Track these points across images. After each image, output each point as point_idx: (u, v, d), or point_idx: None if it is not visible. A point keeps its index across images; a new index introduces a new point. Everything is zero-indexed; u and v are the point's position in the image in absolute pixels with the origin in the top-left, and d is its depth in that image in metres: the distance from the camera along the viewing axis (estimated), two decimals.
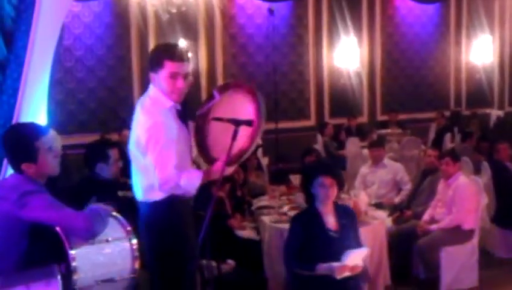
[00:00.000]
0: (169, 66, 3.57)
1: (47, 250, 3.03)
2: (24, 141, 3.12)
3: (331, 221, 4.38)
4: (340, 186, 4.53)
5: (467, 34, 14.56)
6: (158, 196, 3.58)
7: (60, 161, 3.22)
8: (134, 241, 3.14)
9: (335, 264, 4.09)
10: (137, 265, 3.11)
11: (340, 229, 4.35)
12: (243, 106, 3.60)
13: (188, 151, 3.75)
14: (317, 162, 4.70)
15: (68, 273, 2.86)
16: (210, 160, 3.69)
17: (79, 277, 2.86)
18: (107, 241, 3.04)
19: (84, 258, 2.91)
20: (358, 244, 4.39)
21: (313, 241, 4.27)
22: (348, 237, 4.33)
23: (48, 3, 3.64)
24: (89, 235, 2.96)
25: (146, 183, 3.62)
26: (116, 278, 3.02)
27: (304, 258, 4.24)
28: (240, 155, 3.55)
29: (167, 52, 3.62)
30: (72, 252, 2.88)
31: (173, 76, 3.58)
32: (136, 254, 3.12)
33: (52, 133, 3.20)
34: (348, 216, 4.49)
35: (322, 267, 4.12)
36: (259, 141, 3.72)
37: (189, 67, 3.70)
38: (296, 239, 4.35)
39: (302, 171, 4.74)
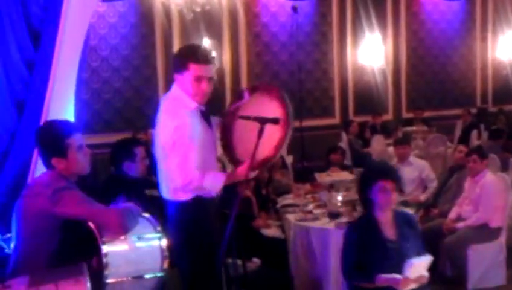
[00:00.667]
0: (194, 69, 3.58)
1: (79, 246, 3.07)
2: (56, 136, 3.18)
3: (389, 230, 3.93)
4: (401, 192, 4.19)
5: (493, 29, 14.39)
6: (184, 196, 3.62)
7: (89, 160, 3.27)
8: (164, 240, 3.17)
9: (398, 276, 3.68)
10: (166, 264, 3.14)
11: (399, 239, 3.90)
12: (271, 109, 3.58)
13: (213, 152, 3.76)
14: (377, 164, 4.17)
15: (99, 269, 2.89)
16: (235, 160, 3.70)
17: (110, 272, 2.89)
18: (139, 239, 3.08)
19: (115, 254, 2.95)
20: (420, 255, 3.89)
21: (369, 252, 3.85)
22: (407, 247, 3.87)
23: (75, 4, 3.68)
24: (122, 230, 3.00)
25: (171, 184, 3.65)
26: (145, 276, 3.06)
27: (362, 269, 3.86)
28: (264, 162, 3.56)
29: (192, 55, 3.62)
30: (105, 247, 2.92)
31: (198, 79, 3.59)
32: (166, 253, 3.14)
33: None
34: (409, 224, 4.02)
35: (383, 279, 3.72)
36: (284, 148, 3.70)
37: (214, 69, 3.72)
38: (352, 249, 3.94)
39: (361, 174, 4.14)
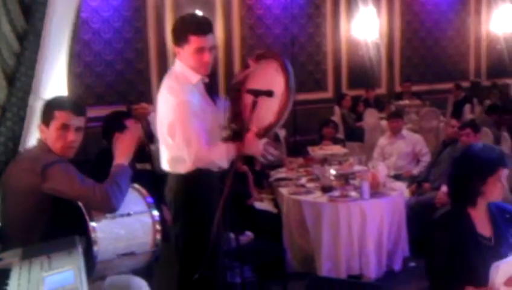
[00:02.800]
0: (194, 41, 3.54)
1: (70, 225, 3.05)
2: (48, 103, 3.21)
3: (483, 225, 3.28)
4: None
5: (487, 3, 14.33)
6: (185, 168, 3.60)
7: (75, 147, 3.23)
8: (156, 213, 3.13)
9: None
10: (158, 239, 3.11)
11: (495, 235, 3.25)
12: (274, 78, 3.53)
13: (217, 126, 3.73)
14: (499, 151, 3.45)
15: (88, 246, 2.87)
16: (245, 129, 3.62)
17: (99, 249, 2.86)
18: (129, 214, 3.04)
19: (105, 231, 2.92)
20: None
21: (462, 252, 3.20)
22: (505, 245, 3.22)
23: None
24: (109, 208, 2.96)
25: (172, 156, 3.65)
26: (137, 252, 3.03)
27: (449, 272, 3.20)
28: (268, 129, 3.51)
29: (191, 27, 3.56)
30: (93, 224, 2.89)
31: (199, 51, 3.55)
32: (158, 227, 3.11)
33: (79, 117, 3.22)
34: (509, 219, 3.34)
35: None
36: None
37: (214, 38, 3.67)
38: (442, 249, 3.25)
39: (477, 162, 3.25)
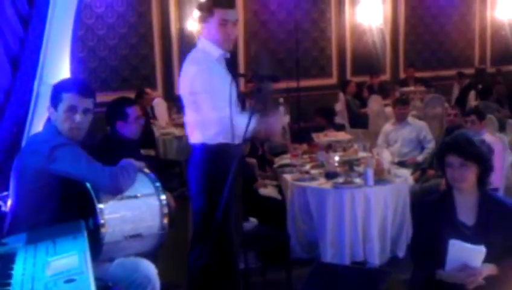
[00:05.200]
0: (219, 14, 3.67)
1: (77, 207, 3.06)
2: (56, 86, 3.23)
3: (467, 212, 3.27)
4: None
5: None
6: (209, 137, 3.71)
7: (84, 128, 3.23)
8: (163, 197, 3.14)
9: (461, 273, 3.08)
10: (165, 222, 3.11)
11: (477, 225, 3.22)
12: None
13: (236, 100, 3.78)
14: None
15: (96, 228, 2.88)
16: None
17: (107, 231, 2.87)
18: (136, 197, 3.05)
19: (112, 213, 2.93)
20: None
21: (437, 234, 3.23)
22: (488, 237, 3.15)
23: None
24: (114, 190, 2.97)
25: (197, 123, 3.76)
26: (144, 234, 3.04)
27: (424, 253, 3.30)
28: None
29: (216, 0, 3.71)
30: (100, 206, 2.89)
31: (224, 23, 3.68)
32: (165, 210, 3.12)
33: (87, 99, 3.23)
34: (504, 215, 3.24)
35: (446, 275, 3.15)
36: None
37: (237, 13, 3.82)
38: (420, 230, 3.41)
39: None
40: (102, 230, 2.87)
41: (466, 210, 3.27)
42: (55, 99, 3.17)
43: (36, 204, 3.07)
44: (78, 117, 3.15)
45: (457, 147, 3.25)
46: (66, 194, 3.08)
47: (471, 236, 3.16)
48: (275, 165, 6.70)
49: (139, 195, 3.07)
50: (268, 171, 6.82)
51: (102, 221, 2.87)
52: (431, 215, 3.32)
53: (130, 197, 3.03)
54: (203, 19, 3.75)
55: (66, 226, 2.78)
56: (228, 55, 3.80)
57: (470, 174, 3.22)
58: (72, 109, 3.14)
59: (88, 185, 2.97)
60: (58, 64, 3.74)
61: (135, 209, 3.04)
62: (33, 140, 3.25)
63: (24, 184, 3.11)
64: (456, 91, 12.39)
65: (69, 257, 2.39)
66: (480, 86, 11.76)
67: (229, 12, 3.71)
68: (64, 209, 3.07)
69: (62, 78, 3.39)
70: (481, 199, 3.26)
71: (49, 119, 3.28)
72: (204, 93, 3.63)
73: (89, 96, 3.22)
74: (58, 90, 3.18)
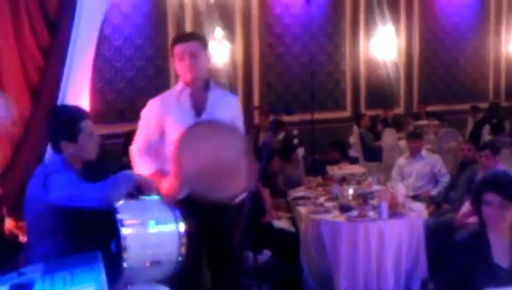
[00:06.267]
0: (176, 49, 3.74)
1: (101, 230, 3.07)
2: (69, 119, 3.25)
3: (503, 254, 3.16)
4: None
5: (507, 24, 14.30)
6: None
7: (97, 148, 3.29)
8: (182, 226, 3.16)
9: None
10: (183, 250, 3.13)
11: None
12: None
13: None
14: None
15: (119, 252, 2.89)
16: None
17: (129, 256, 2.88)
18: (157, 223, 3.06)
19: (135, 237, 2.92)
20: None
21: (473, 278, 3.15)
22: None
23: None
24: (103, 204, 2.95)
25: None
26: (163, 261, 3.05)
27: None
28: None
29: (174, 38, 3.89)
30: (124, 230, 2.90)
31: (180, 57, 3.72)
32: (183, 240, 3.13)
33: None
34: None
35: None
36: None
37: (196, 46, 3.77)
38: (455, 273, 3.26)
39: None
40: (125, 255, 2.88)
41: (501, 252, 3.15)
42: (72, 131, 3.21)
43: (40, 234, 3.11)
44: (95, 136, 3.27)
45: (497, 185, 3.14)
46: (87, 218, 3.10)
47: (507, 279, 3.06)
48: (289, 198, 6.71)
49: (159, 221, 3.09)
50: (280, 202, 6.82)
51: (125, 246, 2.89)
52: (464, 255, 3.19)
53: (151, 223, 3.05)
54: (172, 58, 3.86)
55: (83, 257, 2.80)
56: (190, 90, 3.78)
57: (508, 215, 3.10)
58: (92, 133, 3.24)
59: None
60: (78, 95, 3.81)
61: (156, 236, 3.05)
62: (36, 170, 3.26)
63: (31, 215, 3.16)
64: (470, 125, 12.37)
65: (86, 289, 2.42)
66: (494, 120, 11.75)
67: (184, 45, 3.72)
68: (85, 234, 3.09)
69: (69, 111, 3.41)
70: None
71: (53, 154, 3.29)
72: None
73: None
74: (74, 121, 3.23)
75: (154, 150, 3.72)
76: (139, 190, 3.15)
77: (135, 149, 3.75)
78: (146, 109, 3.79)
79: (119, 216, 2.92)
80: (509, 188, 3.09)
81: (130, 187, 3.07)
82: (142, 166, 3.68)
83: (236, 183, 3.43)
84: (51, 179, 3.03)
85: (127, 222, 2.94)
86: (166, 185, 3.45)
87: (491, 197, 3.09)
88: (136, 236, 2.95)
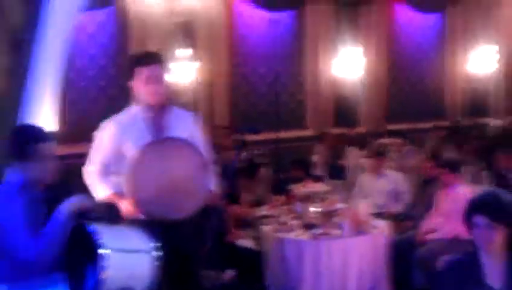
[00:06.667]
0: (139, 72, 3.71)
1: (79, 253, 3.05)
2: (24, 140, 3.20)
3: (495, 274, 3.13)
4: None
5: (468, 43, 14.62)
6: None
7: (54, 172, 3.26)
8: (157, 255, 3.15)
9: None
10: (155, 280, 3.12)
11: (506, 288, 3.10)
12: None
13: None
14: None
15: (96, 274, 2.88)
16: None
17: (106, 278, 2.87)
18: (137, 251, 3.06)
19: (113, 262, 2.92)
20: None
21: None
22: None
23: (56, 12, 3.69)
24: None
25: None
26: (135, 288, 3.04)
27: None
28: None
29: (136, 59, 3.84)
30: (102, 252, 2.90)
31: (146, 82, 3.70)
32: (158, 270, 3.13)
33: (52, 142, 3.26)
34: None
35: None
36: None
37: (160, 69, 3.80)
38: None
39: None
40: (102, 276, 2.87)
41: (494, 272, 3.11)
42: (26, 153, 3.17)
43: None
44: (53, 159, 3.23)
45: (484, 206, 3.10)
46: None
47: None
48: (251, 217, 6.72)
49: (138, 250, 3.08)
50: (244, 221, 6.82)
51: (102, 267, 2.88)
52: (457, 276, 3.18)
53: (130, 250, 3.04)
54: (130, 80, 3.78)
55: (47, 279, 2.79)
56: (149, 113, 3.78)
57: (497, 237, 3.04)
58: (47, 156, 3.20)
59: (92, 228, 2.99)
60: (41, 115, 3.79)
61: (133, 263, 3.04)
62: None
63: None
64: (432, 143, 12.55)
65: None
66: (455, 139, 11.96)
67: (149, 68, 3.72)
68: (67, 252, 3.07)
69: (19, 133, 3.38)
70: (509, 261, 3.09)
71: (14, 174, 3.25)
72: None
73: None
74: (28, 142, 3.19)
75: (110, 172, 3.72)
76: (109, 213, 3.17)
77: (90, 170, 3.73)
78: (100, 131, 3.77)
79: (98, 238, 2.91)
80: (495, 209, 3.06)
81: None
82: (99, 188, 3.68)
83: (193, 202, 3.46)
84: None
85: (107, 245, 2.93)
86: (125, 205, 3.45)
87: (479, 219, 3.07)
88: (114, 260, 2.93)
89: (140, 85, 3.71)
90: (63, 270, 2.91)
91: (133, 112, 3.79)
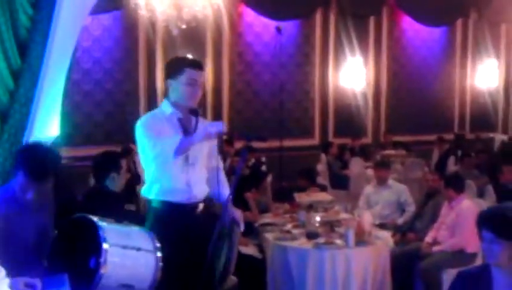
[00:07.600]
0: (190, 74, 3.78)
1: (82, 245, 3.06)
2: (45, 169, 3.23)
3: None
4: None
5: (473, 57, 14.64)
6: (152, 195, 3.83)
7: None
8: (159, 256, 3.16)
9: None
10: (156, 280, 3.12)
11: None
12: None
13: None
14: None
15: (96, 267, 2.88)
16: None
17: (105, 273, 2.87)
18: (138, 249, 3.08)
19: (114, 256, 2.95)
20: None
21: None
22: None
23: (64, 16, 3.69)
24: None
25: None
26: (136, 286, 3.04)
27: None
28: None
29: (188, 61, 3.95)
30: (106, 246, 2.91)
31: (192, 84, 3.78)
32: (159, 270, 3.13)
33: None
34: None
35: None
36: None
37: (205, 78, 3.88)
38: None
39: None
40: (102, 271, 2.87)
41: (504, 287, 3.08)
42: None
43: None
44: None
45: (489, 221, 3.09)
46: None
47: None
48: (256, 224, 6.70)
49: (140, 248, 3.09)
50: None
51: (104, 261, 2.87)
52: (467, 288, 3.18)
53: (133, 247, 3.05)
54: (171, 76, 3.85)
55: (50, 280, 2.78)
56: (181, 115, 3.84)
57: (502, 252, 3.01)
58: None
59: (98, 223, 2.98)
60: (48, 119, 3.78)
61: (134, 261, 3.06)
62: None
63: None
64: (436, 156, 12.55)
65: None
66: (459, 152, 11.94)
67: (198, 73, 3.83)
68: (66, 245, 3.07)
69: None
70: None
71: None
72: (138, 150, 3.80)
73: None
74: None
75: None
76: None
77: (170, 149, 3.61)
78: (146, 122, 3.78)
79: (102, 233, 2.93)
80: (500, 224, 3.03)
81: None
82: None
83: None
84: None
85: (110, 241, 2.95)
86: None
87: (485, 233, 3.06)
88: (116, 255, 2.95)
89: (184, 86, 3.78)
90: (64, 264, 2.91)
91: (166, 113, 3.85)
